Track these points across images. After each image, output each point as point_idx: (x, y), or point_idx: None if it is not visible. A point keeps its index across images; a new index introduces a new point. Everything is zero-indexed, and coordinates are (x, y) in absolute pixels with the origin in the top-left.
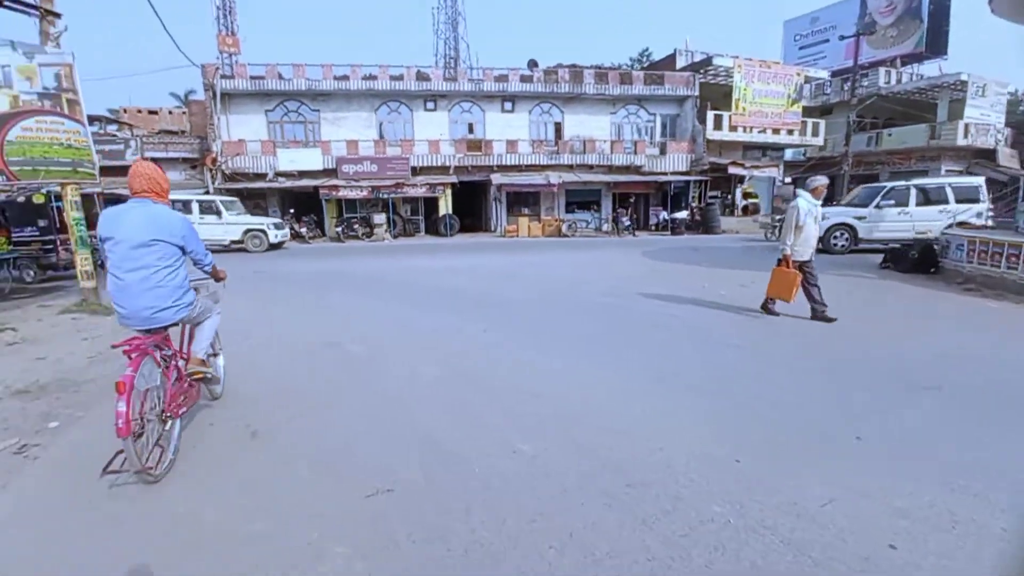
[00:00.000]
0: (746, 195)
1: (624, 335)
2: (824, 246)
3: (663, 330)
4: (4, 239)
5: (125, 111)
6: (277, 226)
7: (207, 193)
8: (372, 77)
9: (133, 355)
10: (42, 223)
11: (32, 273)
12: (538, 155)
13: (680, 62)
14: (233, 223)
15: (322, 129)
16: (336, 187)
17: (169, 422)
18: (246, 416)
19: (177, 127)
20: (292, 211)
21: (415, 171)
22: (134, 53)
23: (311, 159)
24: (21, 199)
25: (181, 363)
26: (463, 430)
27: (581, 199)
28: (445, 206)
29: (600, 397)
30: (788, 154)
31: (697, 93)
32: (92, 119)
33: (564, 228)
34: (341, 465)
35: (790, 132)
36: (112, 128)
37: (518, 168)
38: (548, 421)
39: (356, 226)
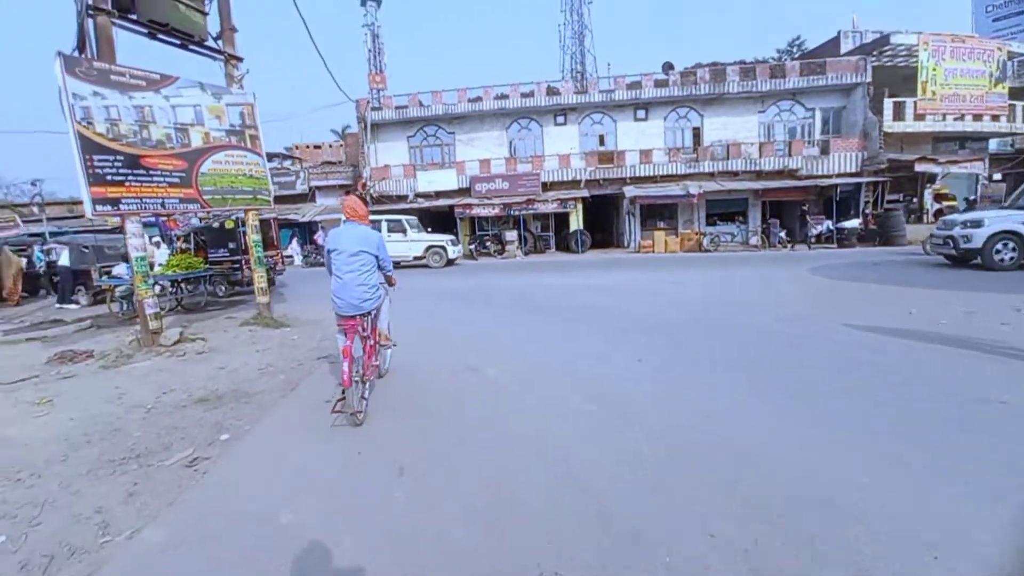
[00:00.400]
0: (939, 196)
1: (825, 377)
2: (984, 260)
3: (878, 372)
4: (202, 259)
5: (296, 147)
6: (453, 243)
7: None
8: (504, 96)
9: (348, 332)
10: (231, 245)
11: (223, 288)
12: (674, 164)
13: (845, 46)
14: (416, 240)
15: (457, 150)
16: (469, 205)
17: (366, 383)
18: (394, 449)
19: (336, 158)
20: (430, 229)
21: (545, 187)
22: (301, 95)
23: (447, 179)
24: (216, 225)
25: (371, 342)
26: (639, 495)
27: (724, 210)
28: (576, 221)
29: (824, 465)
30: (992, 145)
31: (869, 79)
32: (270, 156)
33: (705, 242)
34: (502, 523)
35: (995, 118)
36: (287, 163)
37: (652, 179)
38: (756, 495)
39: (488, 243)
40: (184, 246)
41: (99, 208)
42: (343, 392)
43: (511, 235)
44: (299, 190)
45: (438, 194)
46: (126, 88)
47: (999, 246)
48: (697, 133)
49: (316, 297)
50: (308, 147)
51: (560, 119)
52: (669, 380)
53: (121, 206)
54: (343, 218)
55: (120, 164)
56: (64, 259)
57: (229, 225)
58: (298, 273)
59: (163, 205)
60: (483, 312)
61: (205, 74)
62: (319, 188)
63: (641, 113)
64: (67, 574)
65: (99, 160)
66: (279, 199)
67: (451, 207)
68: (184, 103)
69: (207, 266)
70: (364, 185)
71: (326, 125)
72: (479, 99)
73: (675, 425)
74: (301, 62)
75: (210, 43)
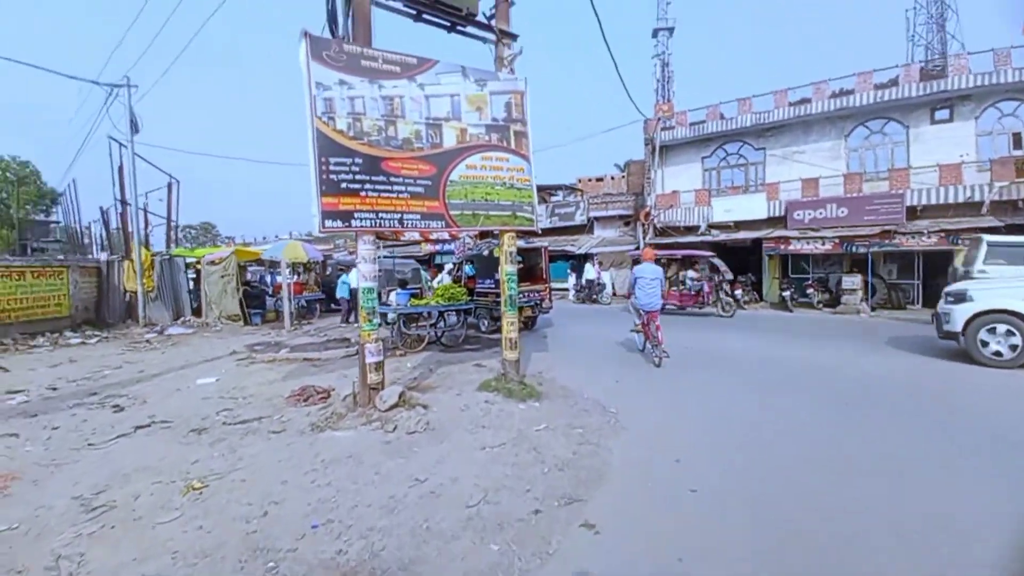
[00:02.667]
0: None
1: None
2: (969, 350)
3: None
4: (467, 290)
5: (579, 180)
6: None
7: (637, 249)
8: (845, 92)
9: (648, 320)
10: (498, 276)
11: (486, 323)
12: None
13: None
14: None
15: (767, 170)
16: (785, 239)
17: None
18: None
19: (616, 190)
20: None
21: (913, 212)
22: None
23: (752, 206)
24: (486, 252)
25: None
26: None
27: None
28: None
29: None
30: None
31: None
32: (555, 188)
33: None
34: None
35: None
36: (571, 198)
37: None
38: None
39: (811, 290)
40: (458, 274)
41: (328, 224)
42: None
43: (851, 280)
44: (578, 221)
45: (738, 225)
46: (377, 75)
47: (984, 332)
48: None
49: (583, 341)
50: (590, 180)
51: (943, 113)
52: None
53: (353, 221)
54: (643, 259)
55: (358, 169)
56: (352, 280)
57: (497, 252)
58: (568, 308)
59: (401, 222)
60: (810, 418)
61: (458, 55)
62: (597, 219)
63: None
64: None
65: (335, 164)
66: (558, 231)
67: (756, 241)
68: (441, 92)
69: (471, 298)
70: (648, 215)
71: (606, 159)
72: (806, 101)
73: None
74: (576, 90)
75: (480, 20)
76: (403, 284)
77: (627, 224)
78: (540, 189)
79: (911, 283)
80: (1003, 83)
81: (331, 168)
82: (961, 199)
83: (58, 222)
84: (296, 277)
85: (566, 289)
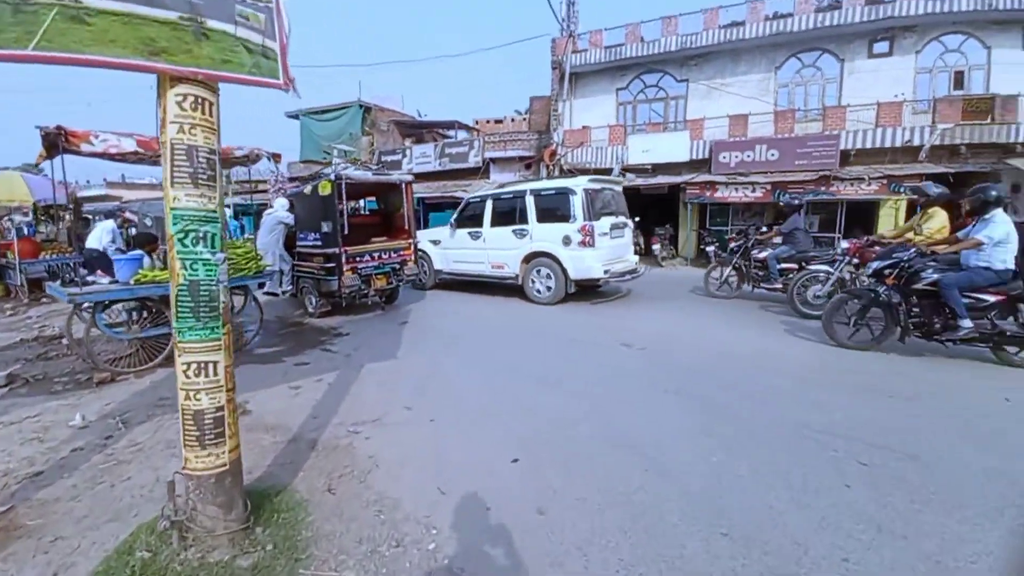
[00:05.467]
0: None
1: None
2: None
3: None
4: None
5: (477, 122)
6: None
7: None
8: (783, 16)
9: None
10: (326, 228)
11: (314, 302)
12: None
13: None
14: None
15: (689, 105)
16: (712, 185)
17: None
18: None
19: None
20: (637, 219)
21: (846, 158)
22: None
23: (673, 147)
24: (307, 190)
25: None
26: None
27: None
28: (895, 216)
29: None
30: None
31: None
32: (449, 125)
33: None
34: None
35: None
36: (463, 135)
37: None
38: None
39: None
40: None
41: None
42: None
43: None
44: (472, 163)
45: (656, 168)
46: None
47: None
48: None
49: (474, 337)
50: (488, 122)
51: (881, 46)
52: None
53: None
54: None
55: None
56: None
57: (325, 189)
58: None
59: None
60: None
61: None
62: (494, 161)
63: None
64: None
65: None
66: (447, 174)
67: (677, 187)
68: None
69: (291, 262)
70: (553, 154)
71: (507, 105)
72: (738, 24)
73: None
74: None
75: None
76: (149, 243)
77: (528, 167)
78: (428, 126)
79: (832, 236)
80: (954, 11)
81: None
82: (899, 143)
83: None
84: (26, 230)
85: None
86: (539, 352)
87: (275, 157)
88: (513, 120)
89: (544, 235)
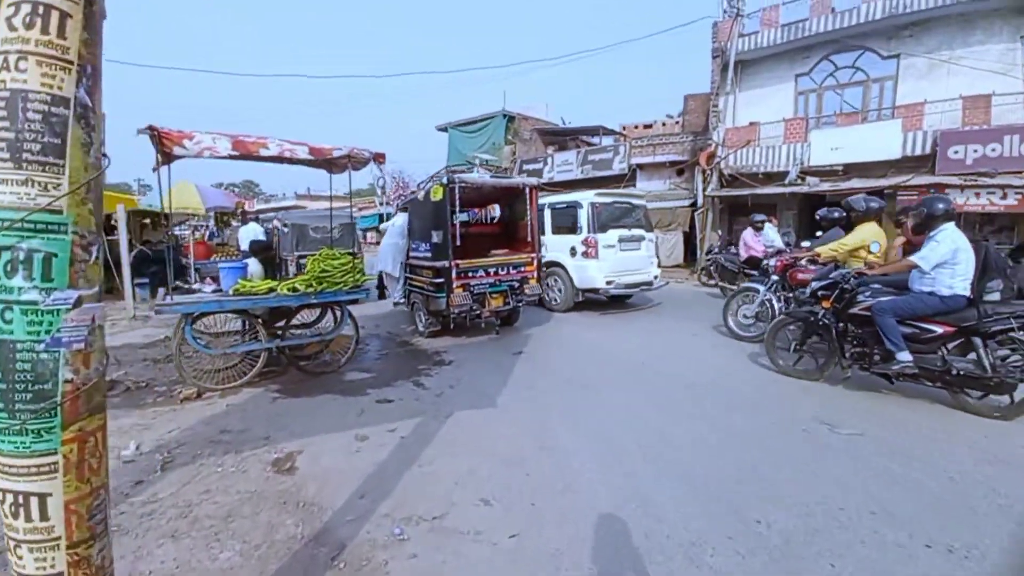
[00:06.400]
0: None
1: None
2: None
3: None
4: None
5: (624, 127)
6: None
7: (692, 206)
8: None
9: None
10: (436, 238)
11: (423, 320)
12: None
13: None
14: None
15: (900, 88)
16: (938, 188)
17: None
18: None
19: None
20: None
21: None
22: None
23: (876, 141)
24: (421, 196)
25: None
26: None
27: None
28: None
29: None
30: None
31: None
32: (593, 131)
33: None
34: None
35: None
36: (608, 141)
37: None
38: None
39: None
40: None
41: None
42: None
43: None
44: (616, 170)
45: (848, 169)
46: None
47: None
48: None
49: (612, 381)
50: (636, 127)
51: None
52: None
53: None
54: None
55: None
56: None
57: (436, 195)
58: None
59: None
60: None
61: None
62: (641, 167)
63: None
64: None
65: None
66: (588, 182)
67: (881, 192)
68: None
69: (409, 275)
70: (710, 157)
71: (659, 110)
72: None
73: None
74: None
75: None
76: (263, 251)
77: (680, 173)
78: (571, 133)
79: None
80: None
81: None
82: None
83: None
84: (196, 234)
85: None
86: (696, 420)
87: (378, 158)
88: (664, 124)
89: (556, 246)
